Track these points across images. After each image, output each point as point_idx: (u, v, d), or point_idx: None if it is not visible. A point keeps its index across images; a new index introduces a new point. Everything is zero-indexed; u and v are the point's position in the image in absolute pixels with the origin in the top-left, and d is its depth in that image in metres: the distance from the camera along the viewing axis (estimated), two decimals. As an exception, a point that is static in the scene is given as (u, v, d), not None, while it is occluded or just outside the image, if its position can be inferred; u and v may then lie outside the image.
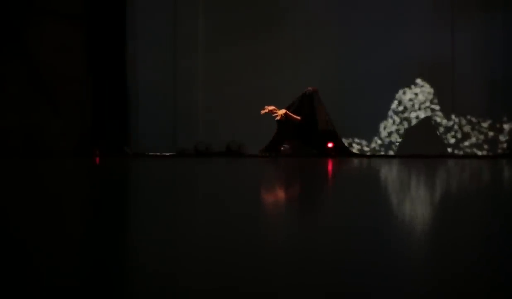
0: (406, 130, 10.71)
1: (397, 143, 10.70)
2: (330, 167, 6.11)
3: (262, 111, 9.31)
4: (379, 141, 10.78)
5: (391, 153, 10.65)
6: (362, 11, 10.65)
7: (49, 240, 1.44)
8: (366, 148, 10.78)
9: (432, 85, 10.62)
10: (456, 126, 10.56)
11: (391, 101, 10.77)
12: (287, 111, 9.37)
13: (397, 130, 10.75)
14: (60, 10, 10.40)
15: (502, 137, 10.25)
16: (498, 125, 10.35)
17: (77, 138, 10.41)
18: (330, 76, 10.38)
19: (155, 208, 2.23)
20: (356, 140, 10.76)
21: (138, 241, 1.45)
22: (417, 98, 10.72)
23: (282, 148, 9.33)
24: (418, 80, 10.70)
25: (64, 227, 1.68)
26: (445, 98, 10.57)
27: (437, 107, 10.63)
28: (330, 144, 9.33)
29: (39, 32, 10.27)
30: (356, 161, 7.89)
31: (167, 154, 10.66)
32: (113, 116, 10.75)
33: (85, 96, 10.62)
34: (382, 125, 10.78)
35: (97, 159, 8.41)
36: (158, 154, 10.64)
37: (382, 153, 10.68)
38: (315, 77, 9.88)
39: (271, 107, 9.32)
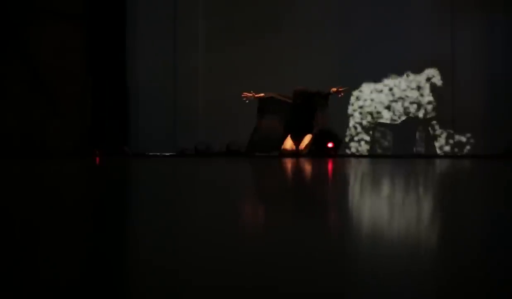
0: (405, 130, 10.72)
1: (396, 144, 10.71)
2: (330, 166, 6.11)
3: (245, 97, 9.28)
4: (378, 141, 10.79)
5: (389, 153, 10.65)
6: (362, 11, 10.66)
7: (51, 236, 1.44)
8: (365, 148, 10.78)
9: (432, 85, 10.63)
10: (455, 126, 10.56)
11: (390, 101, 10.78)
12: (276, 95, 9.32)
13: (396, 130, 10.75)
14: (60, 10, 10.40)
15: (502, 137, 10.24)
16: (498, 125, 10.36)
17: (77, 138, 10.41)
18: (330, 76, 10.38)
19: (156, 208, 2.23)
20: (355, 140, 10.77)
21: (138, 239, 1.45)
22: (417, 99, 10.73)
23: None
24: (418, 81, 10.71)
25: (64, 225, 1.68)
26: (445, 98, 10.57)
27: (437, 107, 10.64)
28: (330, 144, 9.35)
29: (39, 32, 10.27)
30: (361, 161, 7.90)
31: (167, 153, 10.66)
32: (113, 116, 10.75)
33: (85, 96, 10.62)
34: (381, 125, 10.79)
35: (97, 159, 8.41)
36: (158, 154, 10.64)
37: (380, 153, 10.69)
38: (315, 77, 9.88)
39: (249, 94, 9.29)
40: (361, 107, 10.78)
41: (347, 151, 10.65)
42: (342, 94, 8.98)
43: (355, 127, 10.76)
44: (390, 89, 10.81)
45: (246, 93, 9.27)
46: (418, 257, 1.20)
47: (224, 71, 10.92)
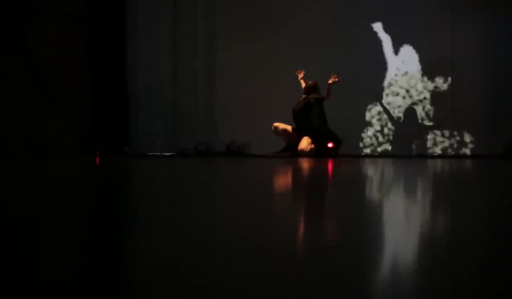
0: (404, 130, 10.70)
1: (396, 143, 10.68)
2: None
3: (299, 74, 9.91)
4: (378, 142, 10.78)
5: (389, 153, 10.63)
6: (363, 11, 10.65)
7: (53, 237, 1.44)
8: (365, 149, 10.78)
9: (432, 85, 10.61)
10: (455, 126, 10.55)
11: (391, 101, 10.78)
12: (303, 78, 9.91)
13: (395, 130, 10.74)
14: (60, 10, 10.39)
15: (502, 137, 10.23)
16: (498, 125, 10.34)
17: (77, 138, 10.40)
18: (330, 76, 10.36)
19: (157, 208, 2.22)
20: (356, 140, 10.75)
21: (139, 239, 1.45)
22: (416, 98, 10.72)
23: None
24: (418, 81, 10.70)
25: (65, 225, 1.68)
26: (445, 98, 10.56)
27: (437, 107, 10.63)
28: (330, 144, 9.33)
29: (39, 32, 10.26)
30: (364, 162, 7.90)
31: (167, 153, 10.66)
32: (113, 116, 10.73)
33: (85, 96, 10.61)
34: (381, 125, 10.78)
35: (97, 159, 8.41)
36: (158, 153, 10.63)
37: (381, 153, 10.68)
38: (316, 77, 9.87)
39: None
40: (360, 108, 10.77)
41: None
42: (336, 80, 9.38)
43: (355, 127, 10.74)
44: (390, 88, 10.80)
45: (302, 71, 9.87)
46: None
47: (224, 71, 10.91)
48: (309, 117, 9.51)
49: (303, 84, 9.81)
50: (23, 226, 1.67)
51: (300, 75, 9.92)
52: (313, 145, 9.36)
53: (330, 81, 9.41)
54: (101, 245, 1.38)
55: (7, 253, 1.25)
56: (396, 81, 10.77)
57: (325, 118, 9.54)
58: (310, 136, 9.39)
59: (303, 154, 9.25)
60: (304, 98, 9.61)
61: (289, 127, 9.59)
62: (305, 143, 9.34)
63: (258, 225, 1.72)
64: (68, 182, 3.79)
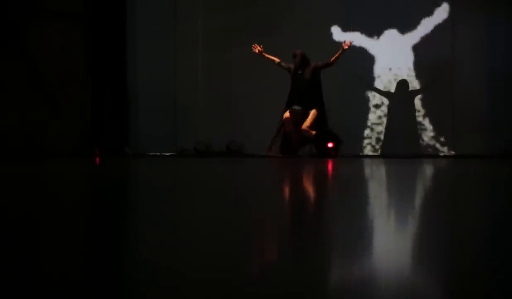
0: (404, 130, 10.70)
1: (396, 143, 10.68)
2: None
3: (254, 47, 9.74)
4: (378, 141, 10.78)
5: (387, 153, 10.63)
6: (362, 11, 10.65)
7: (53, 238, 1.44)
8: (365, 149, 10.78)
9: (432, 85, 10.61)
10: (455, 126, 10.55)
11: (390, 101, 10.78)
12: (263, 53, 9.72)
13: (395, 130, 10.74)
14: (60, 10, 10.39)
15: (502, 137, 10.22)
16: (498, 125, 10.34)
17: (77, 138, 10.40)
18: (329, 76, 10.37)
19: (157, 207, 2.23)
20: (355, 140, 10.75)
21: (138, 239, 1.45)
22: (416, 98, 10.72)
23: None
24: (418, 80, 10.71)
25: (65, 225, 1.68)
26: (445, 98, 10.56)
27: (436, 106, 10.62)
28: (330, 144, 9.31)
29: (39, 32, 10.26)
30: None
31: (167, 153, 10.66)
32: (113, 116, 10.74)
33: (85, 96, 10.61)
34: (381, 125, 10.78)
35: (97, 159, 8.41)
36: (158, 153, 10.63)
37: (380, 153, 10.68)
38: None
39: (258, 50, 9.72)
40: (359, 107, 10.77)
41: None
42: (348, 45, 9.35)
43: (354, 126, 10.73)
44: (387, 87, 10.80)
45: (256, 45, 9.69)
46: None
47: (224, 71, 10.90)
48: (319, 85, 9.45)
49: (271, 57, 9.60)
50: (22, 227, 1.67)
51: (258, 48, 9.67)
52: (313, 132, 9.24)
53: (345, 47, 9.32)
54: (101, 245, 1.38)
55: (6, 254, 1.25)
56: (397, 81, 10.76)
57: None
58: (317, 109, 9.28)
59: (307, 134, 9.16)
60: (306, 68, 9.46)
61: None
62: (309, 121, 9.24)
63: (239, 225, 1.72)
64: (67, 182, 3.79)
